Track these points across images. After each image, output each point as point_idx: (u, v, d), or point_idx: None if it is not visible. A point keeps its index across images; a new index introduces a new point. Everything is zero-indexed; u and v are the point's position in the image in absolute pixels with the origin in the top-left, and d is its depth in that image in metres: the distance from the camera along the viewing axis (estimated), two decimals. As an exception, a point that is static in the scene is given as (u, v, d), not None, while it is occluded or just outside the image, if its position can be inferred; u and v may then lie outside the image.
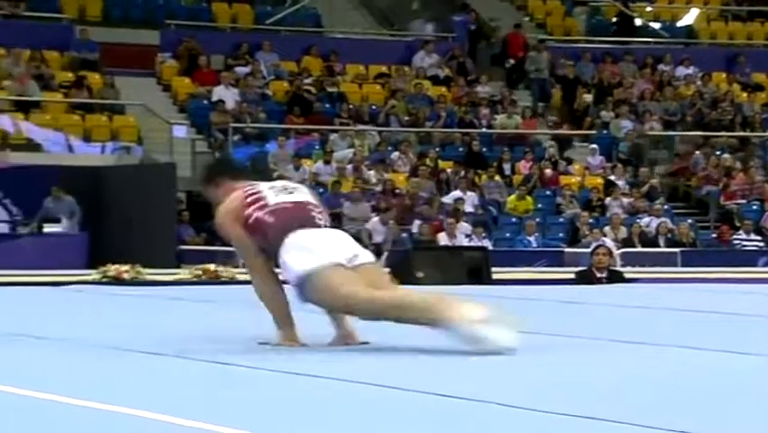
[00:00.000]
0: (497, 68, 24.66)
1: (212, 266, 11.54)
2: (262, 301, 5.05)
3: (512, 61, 24.40)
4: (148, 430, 3.12)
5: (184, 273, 11.65)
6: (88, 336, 4.99)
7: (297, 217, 5.00)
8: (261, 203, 5.04)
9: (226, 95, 21.42)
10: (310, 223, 5.01)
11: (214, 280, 11.13)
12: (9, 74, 20.63)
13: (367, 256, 5.00)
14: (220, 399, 3.61)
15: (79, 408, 3.33)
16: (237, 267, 13.97)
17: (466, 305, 4.71)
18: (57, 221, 16.90)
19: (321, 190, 19.51)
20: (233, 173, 5.23)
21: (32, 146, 19.62)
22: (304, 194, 5.18)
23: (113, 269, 10.87)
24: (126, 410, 3.26)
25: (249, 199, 5.05)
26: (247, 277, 5.32)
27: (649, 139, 23.10)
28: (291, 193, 5.12)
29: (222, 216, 5.07)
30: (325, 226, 5.09)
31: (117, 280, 10.42)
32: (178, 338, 5.01)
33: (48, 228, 16.74)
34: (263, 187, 5.13)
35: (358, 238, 19.59)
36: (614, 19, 26.74)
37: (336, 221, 18.83)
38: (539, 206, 20.47)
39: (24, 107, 20.23)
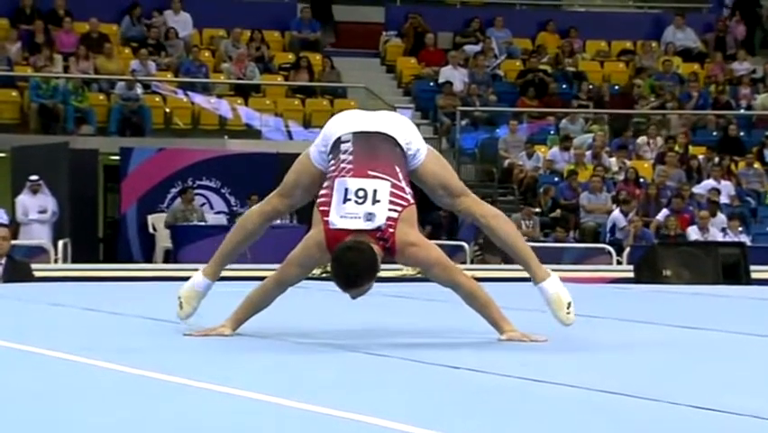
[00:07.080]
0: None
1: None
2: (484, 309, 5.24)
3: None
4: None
5: (407, 270, 11.18)
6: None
7: None
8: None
9: (454, 76, 21.23)
10: None
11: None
12: (228, 56, 20.66)
13: None
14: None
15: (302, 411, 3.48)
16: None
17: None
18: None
19: (556, 179, 19.17)
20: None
21: (250, 132, 19.66)
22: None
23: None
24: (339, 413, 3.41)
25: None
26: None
27: None
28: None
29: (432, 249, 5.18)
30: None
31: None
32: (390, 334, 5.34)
33: (272, 220, 16.41)
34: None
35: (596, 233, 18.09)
36: None
37: (573, 212, 18.29)
38: (805, 196, 19.50)
39: (243, 91, 20.25)
